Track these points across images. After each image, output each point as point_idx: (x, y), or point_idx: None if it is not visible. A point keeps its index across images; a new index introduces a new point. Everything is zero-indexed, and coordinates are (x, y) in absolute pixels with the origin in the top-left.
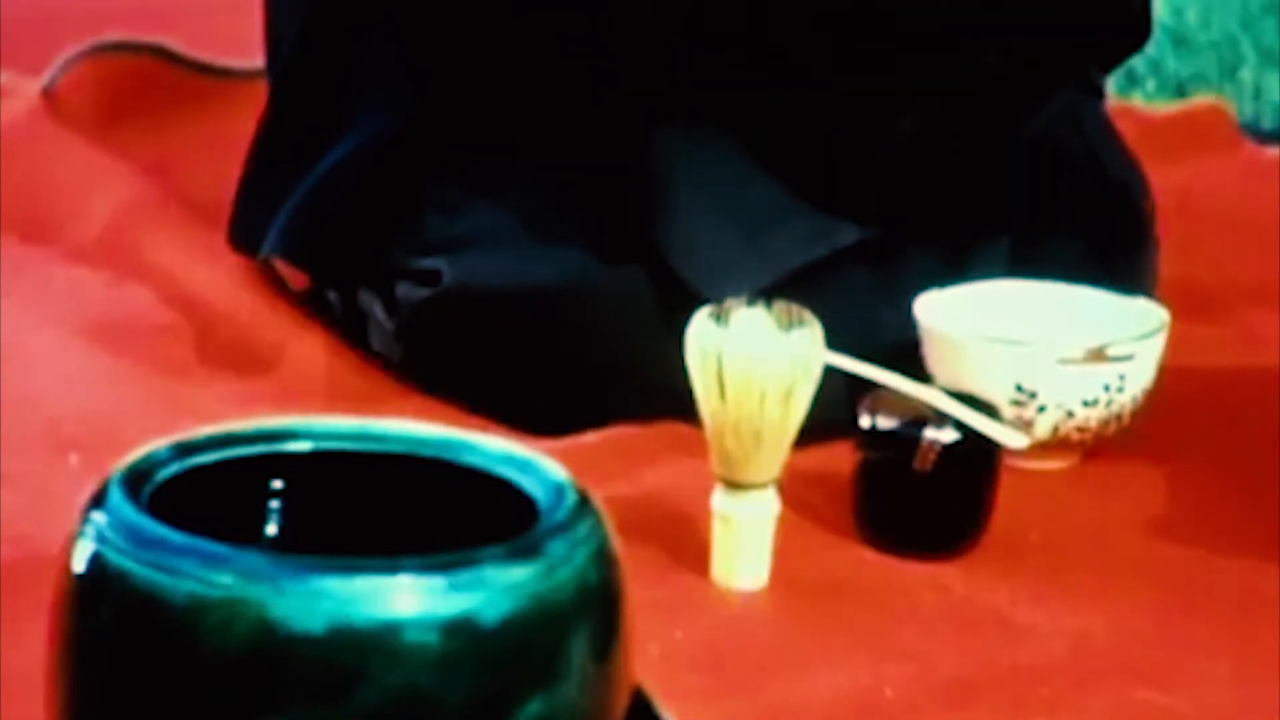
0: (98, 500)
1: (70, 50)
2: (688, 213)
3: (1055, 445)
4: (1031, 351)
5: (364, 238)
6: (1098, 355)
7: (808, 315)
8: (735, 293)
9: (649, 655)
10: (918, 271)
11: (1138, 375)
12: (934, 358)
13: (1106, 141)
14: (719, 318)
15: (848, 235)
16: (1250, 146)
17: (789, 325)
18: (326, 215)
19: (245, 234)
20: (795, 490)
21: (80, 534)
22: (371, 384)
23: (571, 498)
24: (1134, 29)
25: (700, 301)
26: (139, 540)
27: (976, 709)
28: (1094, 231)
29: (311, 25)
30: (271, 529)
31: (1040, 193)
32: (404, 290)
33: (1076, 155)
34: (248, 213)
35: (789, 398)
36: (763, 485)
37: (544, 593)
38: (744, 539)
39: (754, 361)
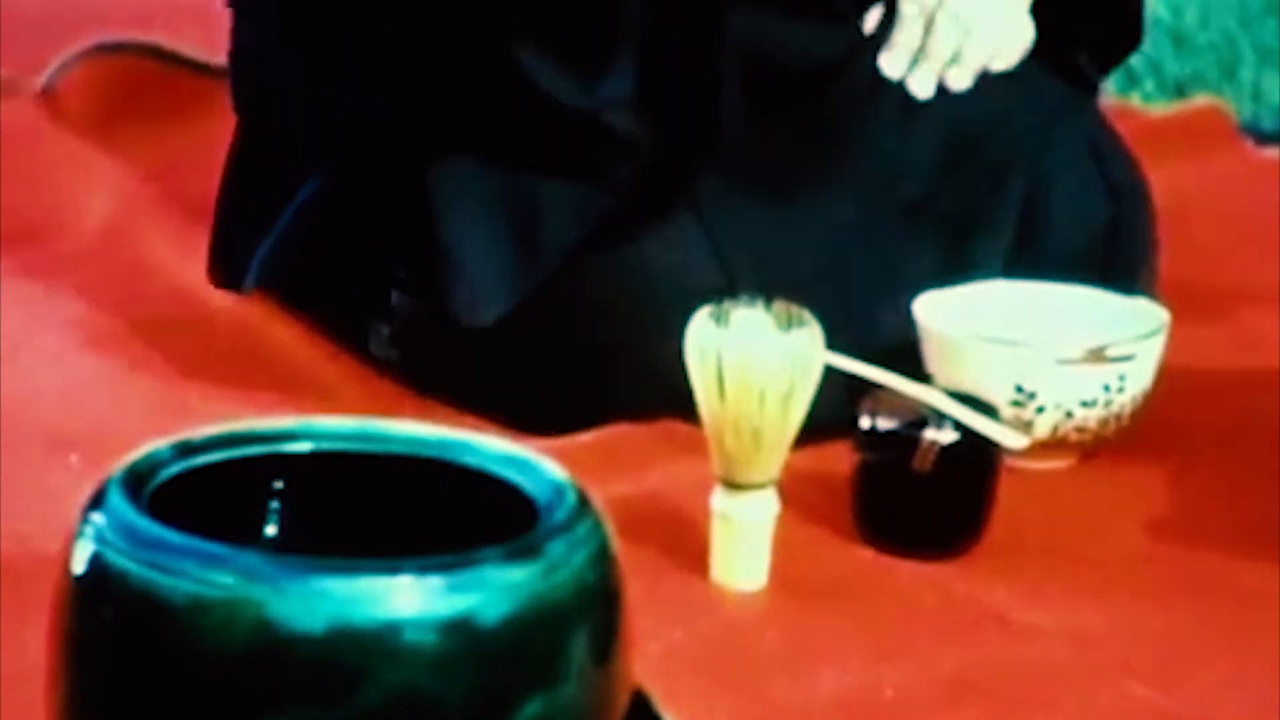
0: (97, 500)
1: (70, 50)
2: (451, 245)
3: (1054, 445)
4: (1031, 352)
5: (347, 265)
6: (1097, 356)
7: (807, 315)
8: (505, 305)
9: (649, 655)
10: (918, 271)
11: (1137, 376)
12: (933, 358)
13: (1106, 142)
14: (718, 318)
15: (619, 174)
16: (1249, 147)
17: (788, 325)
18: (308, 246)
19: (226, 270)
20: (795, 490)
21: (80, 534)
22: (371, 385)
23: (571, 498)
24: (1129, 30)
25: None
26: (139, 541)
27: (976, 708)
28: (1094, 232)
29: (271, 64)
30: (272, 529)
31: (1041, 193)
32: (398, 296)
33: (1076, 156)
34: (227, 249)
35: (788, 398)
36: (762, 485)
37: (543, 593)
38: (744, 539)
39: (753, 362)
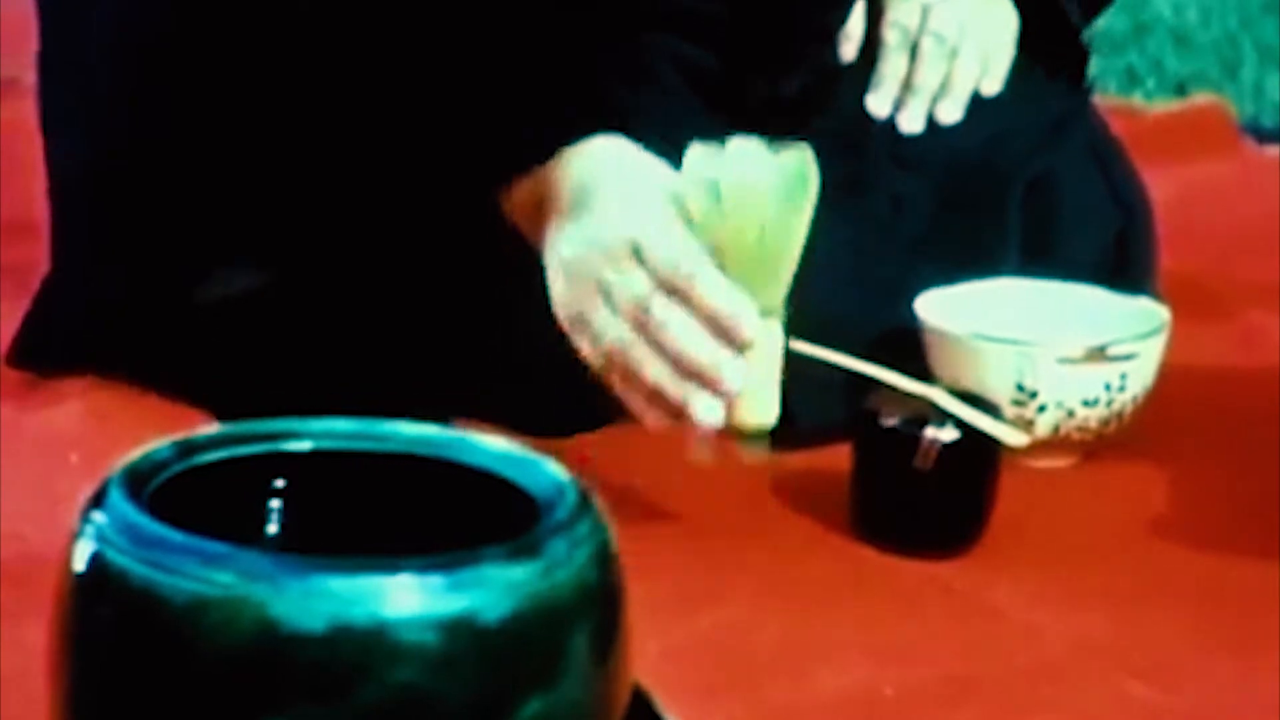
0: (98, 499)
1: None
2: None
3: (1056, 444)
4: (1032, 351)
5: None
6: (1098, 355)
7: (801, 144)
8: None
9: (649, 654)
10: (921, 270)
11: (1138, 375)
12: (935, 357)
13: (1108, 150)
14: (714, 148)
15: None
16: (1250, 145)
17: (782, 149)
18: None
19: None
20: (795, 490)
21: (80, 533)
22: None
23: (572, 497)
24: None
25: None
26: (139, 539)
27: (976, 707)
28: (1104, 245)
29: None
30: (272, 528)
31: (1048, 208)
32: None
33: (1081, 168)
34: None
35: (787, 217)
36: (768, 313)
37: (544, 592)
38: (752, 371)
39: (751, 182)
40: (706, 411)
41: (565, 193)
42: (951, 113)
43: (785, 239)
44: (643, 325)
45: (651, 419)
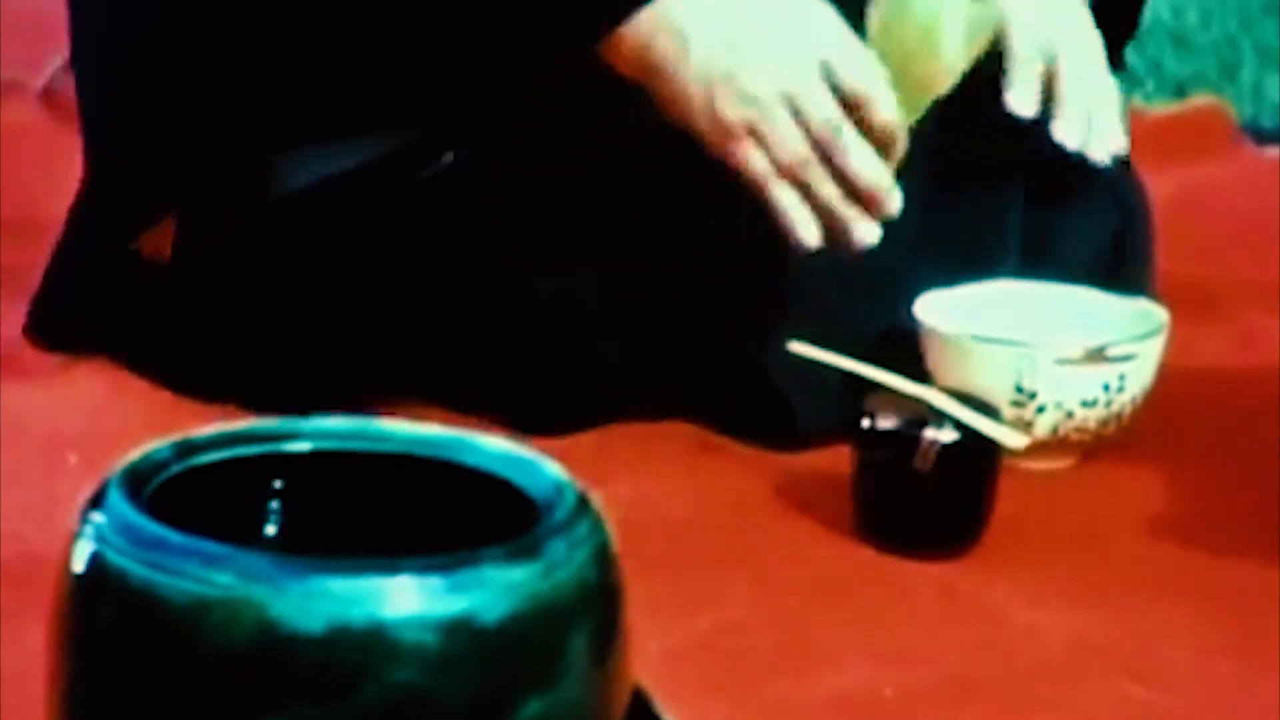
0: (97, 500)
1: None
2: None
3: (1055, 445)
4: (1031, 352)
5: None
6: (1097, 356)
7: None
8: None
9: (648, 654)
10: (921, 270)
11: (1137, 376)
12: (934, 358)
13: None
14: None
15: None
16: (1250, 146)
17: None
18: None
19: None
20: (795, 490)
21: (80, 534)
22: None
23: (571, 498)
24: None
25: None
26: (139, 540)
27: (976, 708)
28: (1102, 245)
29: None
30: (272, 529)
31: (1047, 208)
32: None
33: (1080, 168)
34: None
35: (957, 48)
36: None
37: (544, 593)
38: None
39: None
40: (868, 233)
41: (709, 34)
42: (1103, 153)
43: (948, 64)
44: (830, 146)
45: (810, 236)
